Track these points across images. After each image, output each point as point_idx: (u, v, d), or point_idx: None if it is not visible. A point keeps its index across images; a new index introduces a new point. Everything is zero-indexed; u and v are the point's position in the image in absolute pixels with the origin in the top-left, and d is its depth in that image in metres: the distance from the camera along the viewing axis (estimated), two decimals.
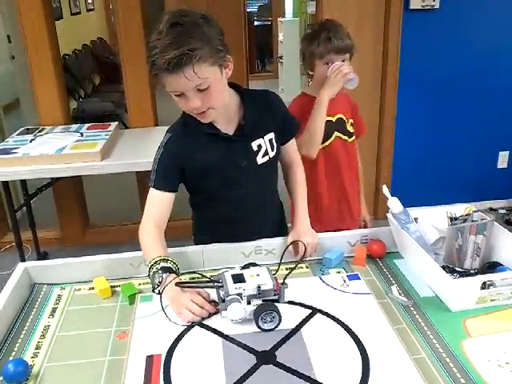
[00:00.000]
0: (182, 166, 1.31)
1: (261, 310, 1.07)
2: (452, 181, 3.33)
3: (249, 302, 1.09)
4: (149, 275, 1.19)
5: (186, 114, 1.28)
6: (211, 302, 1.15)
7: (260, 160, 1.35)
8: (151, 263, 1.19)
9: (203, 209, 1.47)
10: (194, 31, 1.10)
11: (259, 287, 1.08)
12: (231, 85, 1.32)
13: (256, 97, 1.37)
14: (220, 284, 1.11)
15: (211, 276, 1.19)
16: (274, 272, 1.15)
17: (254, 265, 1.20)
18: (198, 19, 1.13)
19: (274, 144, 1.38)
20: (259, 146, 1.34)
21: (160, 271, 1.16)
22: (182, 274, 1.24)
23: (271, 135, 1.37)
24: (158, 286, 1.15)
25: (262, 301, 1.09)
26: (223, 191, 1.36)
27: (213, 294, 1.16)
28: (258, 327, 1.07)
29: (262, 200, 1.42)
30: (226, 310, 1.08)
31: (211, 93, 1.17)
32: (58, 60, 2.93)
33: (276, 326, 1.08)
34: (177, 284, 1.15)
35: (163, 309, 1.13)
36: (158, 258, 1.19)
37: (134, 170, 2.62)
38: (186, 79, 1.12)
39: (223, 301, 1.09)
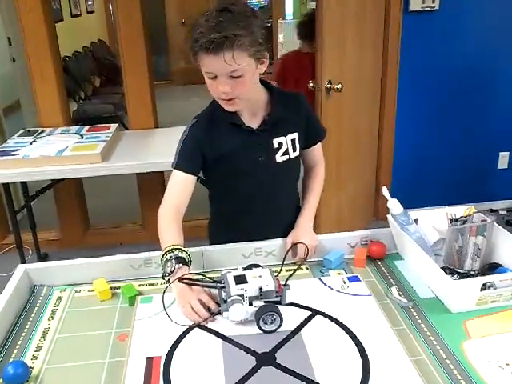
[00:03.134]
0: (203, 151, 1.34)
1: (262, 311, 1.07)
2: (452, 182, 3.33)
3: (250, 303, 1.09)
4: (161, 260, 1.20)
5: (215, 103, 1.32)
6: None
7: (279, 158, 1.37)
8: (166, 249, 1.19)
9: (219, 200, 1.50)
10: (240, 19, 1.15)
11: (261, 289, 1.08)
12: (263, 82, 1.35)
13: (285, 96, 1.40)
14: (222, 285, 1.11)
15: (212, 277, 1.19)
16: (276, 273, 1.15)
17: (257, 266, 1.20)
18: (247, 10, 1.18)
19: (297, 145, 1.39)
20: (280, 144, 1.36)
21: (174, 260, 1.17)
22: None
23: (294, 135, 1.38)
24: (169, 274, 1.16)
25: (264, 302, 1.09)
26: (238, 182, 1.39)
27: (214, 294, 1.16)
28: (259, 328, 1.07)
29: (276, 198, 1.43)
30: (227, 310, 1.07)
31: (243, 82, 1.21)
32: (58, 62, 2.93)
33: (277, 328, 1.07)
34: (180, 280, 1.14)
35: (165, 309, 1.14)
36: (174, 247, 1.19)
37: (135, 172, 2.62)
38: (223, 62, 1.15)
39: (225, 301, 1.09)
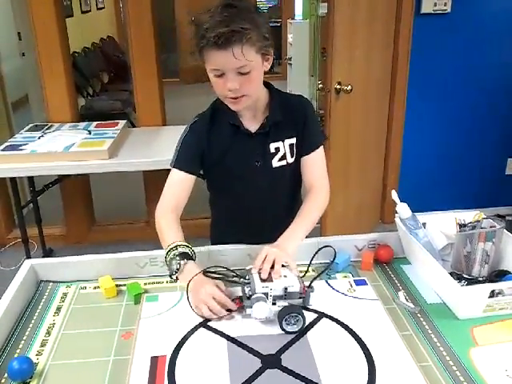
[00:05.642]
0: (203, 150, 1.32)
1: (286, 311, 1.06)
2: (460, 187, 3.31)
3: (273, 303, 1.08)
4: (166, 259, 1.19)
5: (217, 104, 1.30)
6: (235, 298, 1.12)
7: (275, 163, 1.34)
8: (169, 247, 1.19)
9: (217, 205, 1.49)
10: (246, 14, 1.14)
11: (286, 289, 1.08)
12: (263, 83, 1.32)
13: (286, 99, 1.36)
14: (247, 281, 1.10)
15: (235, 272, 1.17)
16: (301, 275, 1.14)
17: (282, 266, 1.16)
18: (251, 6, 1.18)
19: (295, 150, 1.35)
20: (277, 149, 1.33)
21: (178, 257, 1.16)
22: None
23: (292, 141, 1.34)
24: (176, 272, 1.15)
25: (287, 303, 1.08)
26: (234, 187, 1.37)
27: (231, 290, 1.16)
28: (282, 329, 1.06)
29: (275, 205, 1.40)
30: (251, 307, 1.06)
31: (251, 79, 1.18)
32: (67, 57, 2.94)
33: (299, 330, 1.06)
34: (205, 273, 1.14)
35: (188, 298, 1.13)
36: (177, 244, 1.19)
37: (141, 169, 2.62)
38: (232, 57, 1.12)
39: (248, 298, 1.08)
